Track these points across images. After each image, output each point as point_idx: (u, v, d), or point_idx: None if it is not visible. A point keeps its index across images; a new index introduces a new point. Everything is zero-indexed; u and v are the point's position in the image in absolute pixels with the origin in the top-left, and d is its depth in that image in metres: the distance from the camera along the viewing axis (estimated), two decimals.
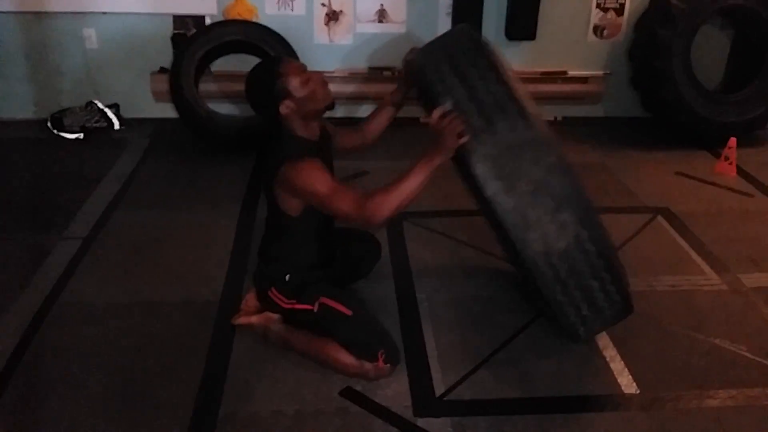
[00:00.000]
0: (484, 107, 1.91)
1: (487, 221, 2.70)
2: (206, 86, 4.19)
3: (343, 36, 4.37)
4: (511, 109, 1.90)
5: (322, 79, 2.14)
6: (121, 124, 4.31)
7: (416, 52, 2.21)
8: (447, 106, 1.92)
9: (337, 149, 2.37)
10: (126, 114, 4.38)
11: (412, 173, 1.95)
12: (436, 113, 1.94)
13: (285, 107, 2.08)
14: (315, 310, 2.18)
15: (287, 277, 2.22)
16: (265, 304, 2.29)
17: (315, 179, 2.00)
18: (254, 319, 2.32)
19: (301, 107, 2.09)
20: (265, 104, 2.12)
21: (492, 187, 1.88)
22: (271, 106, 2.09)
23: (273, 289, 2.23)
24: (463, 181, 2.59)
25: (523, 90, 2.00)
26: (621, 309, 2.14)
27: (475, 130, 1.89)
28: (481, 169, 1.89)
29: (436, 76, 2.00)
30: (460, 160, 1.98)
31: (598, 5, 4.41)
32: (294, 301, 2.21)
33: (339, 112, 3.93)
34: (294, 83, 2.07)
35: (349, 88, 4.31)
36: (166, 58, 4.23)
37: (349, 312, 2.17)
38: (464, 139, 1.89)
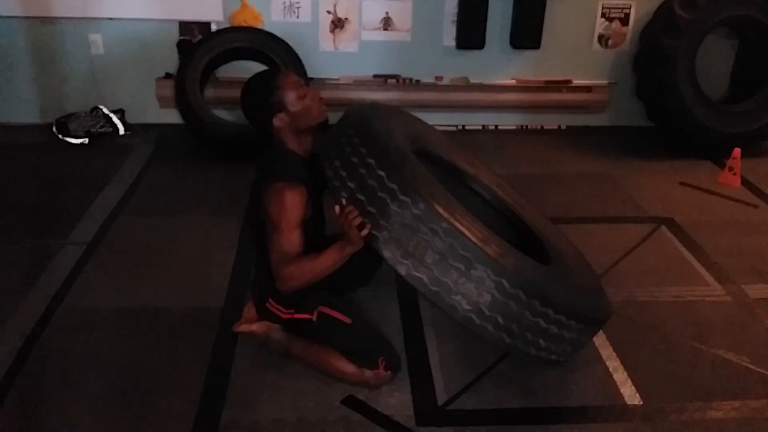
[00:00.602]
0: (374, 193, 1.97)
1: None
2: (211, 92, 4.21)
3: (348, 43, 4.38)
4: (396, 189, 1.95)
5: (318, 95, 2.16)
6: (126, 130, 4.32)
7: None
8: (343, 200, 2.00)
9: None
10: (131, 119, 4.39)
11: (326, 254, 2.02)
12: (337, 209, 2.01)
13: (279, 120, 2.09)
14: (314, 319, 2.18)
15: None
16: (264, 315, 2.29)
17: (281, 210, 2.02)
18: (255, 327, 2.32)
19: (295, 121, 2.10)
20: (259, 115, 2.13)
21: (404, 267, 1.94)
22: (264, 117, 2.10)
23: (271, 300, 2.23)
24: None
25: (404, 166, 2.04)
26: (585, 328, 2.13)
27: (372, 218, 1.96)
28: (387, 253, 1.95)
29: (331, 172, 2.08)
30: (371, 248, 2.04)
31: (603, 15, 4.42)
32: (292, 311, 2.21)
33: None
34: (290, 97, 2.08)
35: (354, 96, 4.32)
36: (172, 64, 4.25)
37: (348, 320, 2.17)
38: (365, 232, 1.96)
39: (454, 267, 1.91)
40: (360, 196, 1.99)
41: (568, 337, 2.08)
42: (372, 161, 2.00)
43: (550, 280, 2.05)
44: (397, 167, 1.99)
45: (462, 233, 1.90)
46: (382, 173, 1.97)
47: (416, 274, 1.93)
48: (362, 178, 2.00)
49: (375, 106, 2.44)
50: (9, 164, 3.88)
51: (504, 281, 1.91)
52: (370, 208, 1.96)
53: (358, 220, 1.96)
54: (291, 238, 2.02)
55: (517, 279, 1.93)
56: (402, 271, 1.94)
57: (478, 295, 1.92)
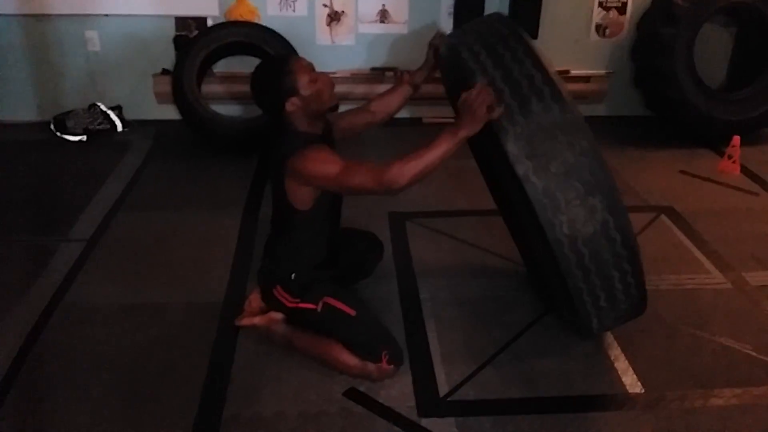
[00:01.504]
0: (519, 88, 1.92)
1: (504, 210, 2.69)
2: (208, 88, 4.20)
3: (344, 37, 4.37)
4: (547, 92, 1.91)
5: (329, 80, 2.15)
6: (123, 126, 4.31)
7: (443, 36, 2.22)
8: (480, 83, 1.92)
9: (340, 133, 2.36)
10: (129, 116, 4.39)
11: (435, 143, 1.91)
12: (471, 90, 1.91)
13: (291, 104, 2.08)
14: (318, 309, 2.18)
15: (293, 275, 2.22)
16: (270, 302, 2.29)
17: (324, 161, 2.00)
18: (257, 320, 2.32)
19: (307, 106, 2.09)
20: (271, 100, 2.12)
21: (523, 167, 1.88)
22: (277, 102, 2.09)
23: (278, 287, 2.23)
24: (485, 164, 2.57)
25: (559, 79, 2.00)
26: (636, 305, 2.13)
27: (510, 110, 1.90)
28: (513, 147, 1.88)
29: (469, 56, 2.01)
30: (491, 139, 1.97)
31: (600, 4, 4.41)
32: (298, 300, 2.21)
33: None
34: (302, 81, 2.07)
35: (351, 89, 4.30)
36: (169, 60, 4.23)
37: (352, 312, 2.17)
38: (496, 113, 1.88)
39: (573, 186, 1.87)
40: (502, 86, 1.92)
41: (621, 308, 2.08)
42: (527, 60, 1.96)
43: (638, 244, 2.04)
44: (552, 74, 1.95)
45: (597, 156, 1.89)
46: (535, 72, 1.93)
47: (534, 178, 1.87)
48: (510, 71, 1.94)
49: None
50: (7, 162, 3.88)
51: (612, 220, 1.89)
52: (511, 100, 1.90)
53: (492, 100, 1.88)
54: (357, 166, 1.96)
55: (623, 223, 1.91)
56: (520, 170, 1.88)
57: (582, 224, 1.89)
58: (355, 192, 2.05)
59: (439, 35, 2.30)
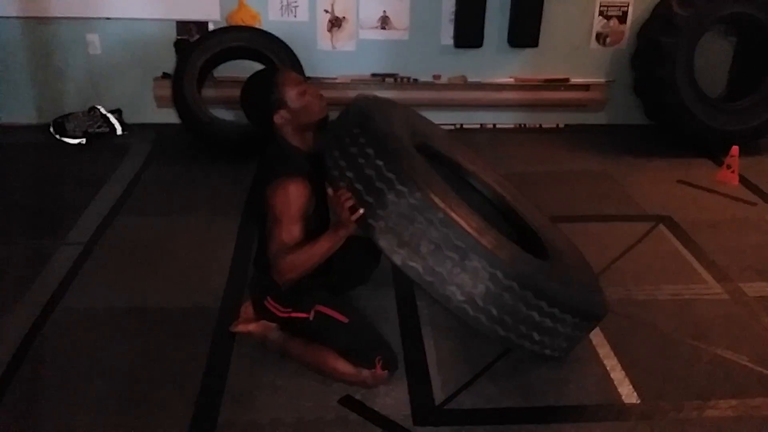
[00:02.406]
0: (372, 183, 1.97)
1: None
2: (209, 92, 4.20)
3: (346, 42, 4.38)
4: (394, 179, 1.95)
5: (318, 92, 2.17)
6: (123, 130, 4.32)
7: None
8: (341, 188, 2.02)
9: None
10: (128, 119, 4.39)
11: (320, 241, 2.01)
12: (330, 191, 2.03)
13: (279, 117, 2.10)
14: (311, 318, 2.18)
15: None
16: (262, 313, 2.29)
17: (284, 203, 2.02)
18: (253, 326, 2.32)
19: (296, 118, 2.11)
20: (259, 113, 2.13)
21: (399, 257, 1.94)
22: (265, 114, 2.10)
23: (269, 298, 2.23)
24: None
25: (401, 153, 2.05)
26: (580, 323, 2.13)
27: (369, 207, 1.96)
28: (383, 242, 1.95)
29: (331, 161, 2.09)
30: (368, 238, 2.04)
31: (601, 13, 4.42)
32: (290, 310, 2.21)
33: None
34: (291, 94, 2.09)
35: (352, 95, 4.30)
36: (169, 64, 4.24)
37: (345, 319, 2.17)
38: (358, 214, 1.97)
39: (448, 257, 1.91)
40: (358, 186, 1.99)
41: (563, 332, 2.08)
42: (371, 151, 2.00)
43: (544, 274, 2.05)
44: (396, 157, 1.99)
45: (457, 223, 1.90)
46: (380, 162, 1.97)
47: (411, 263, 1.93)
48: (361, 168, 2.00)
49: (377, 99, 2.44)
50: (6, 164, 3.88)
51: (498, 272, 1.91)
52: (367, 198, 1.96)
53: (351, 202, 1.97)
54: (291, 231, 2.02)
55: (511, 270, 1.93)
56: (397, 260, 1.94)
57: (472, 286, 1.92)
58: (267, 243, 2.09)
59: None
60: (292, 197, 2.02)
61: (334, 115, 2.25)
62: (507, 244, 2.03)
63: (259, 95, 2.11)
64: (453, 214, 1.92)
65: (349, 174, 2.02)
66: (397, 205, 1.93)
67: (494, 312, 1.94)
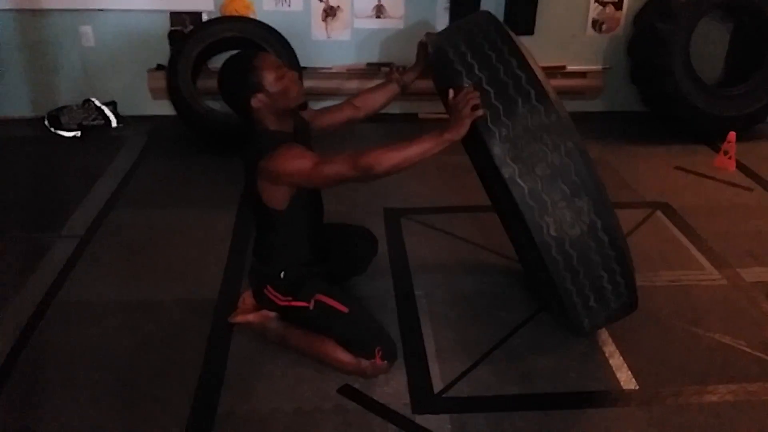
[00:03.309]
0: (505, 90, 1.91)
1: (498, 208, 2.69)
2: (203, 83, 4.17)
3: (340, 32, 4.35)
4: (532, 94, 1.90)
5: (296, 77, 2.13)
6: (118, 122, 4.30)
7: (433, 35, 2.19)
8: (466, 85, 1.92)
9: (319, 130, 2.34)
10: (123, 111, 4.37)
11: (419, 139, 1.92)
12: (451, 92, 1.93)
13: (257, 101, 2.05)
14: (311, 307, 2.17)
15: (282, 274, 2.21)
16: (262, 302, 2.29)
17: (296, 157, 1.98)
18: (251, 317, 2.32)
19: (273, 102, 2.06)
20: (236, 96, 2.09)
21: (509, 169, 1.88)
22: (242, 98, 2.06)
23: (268, 287, 2.23)
24: (477, 164, 2.57)
25: (545, 78, 1.99)
26: (626, 304, 2.13)
27: (495, 111, 1.89)
28: (499, 150, 1.88)
29: (456, 57, 2.00)
30: (478, 141, 1.97)
31: None
32: (290, 299, 2.20)
33: None
34: (268, 78, 2.04)
35: (347, 85, 4.30)
36: (163, 55, 4.21)
37: (345, 309, 2.16)
38: (480, 112, 1.88)
39: (560, 188, 1.87)
40: (488, 87, 1.92)
41: (611, 307, 2.07)
42: (513, 60, 1.95)
43: (626, 244, 2.03)
44: (537, 75, 1.94)
45: (583, 157, 1.87)
46: (521, 73, 1.92)
47: (519, 181, 1.87)
48: (496, 71, 1.94)
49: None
50: (1, 158, 3.86)
51: (599, 222, 1.89)
52: (496, 102, 1.90)
53: (477, 102, 1.88)
54: (329, 159, 1.95)
55: (610, 224, 1.91)
56: (506, 173, 1.88)
57: (570, 226, 1.89)
58: (330, 182, 2.03)
59: (430, 35, 2.28)
60: (295, 150, 1.99)
61: (316, 105, 2.20)
62: (609, 199, 2.00)
63: (237, 78, 2.07)
64: (581, 147, 1.88)
65: (481, 74, 1.94)
66: (527, 119, 1.87)
67: (575, 260, 1.92)
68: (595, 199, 1.89)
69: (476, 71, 1.96)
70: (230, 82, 2.10)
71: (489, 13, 2.21)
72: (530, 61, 2.00)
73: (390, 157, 1.91)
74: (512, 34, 2.09)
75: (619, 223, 1.97)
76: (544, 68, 4.43)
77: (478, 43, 2.02)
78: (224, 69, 2.12)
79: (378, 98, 2.43)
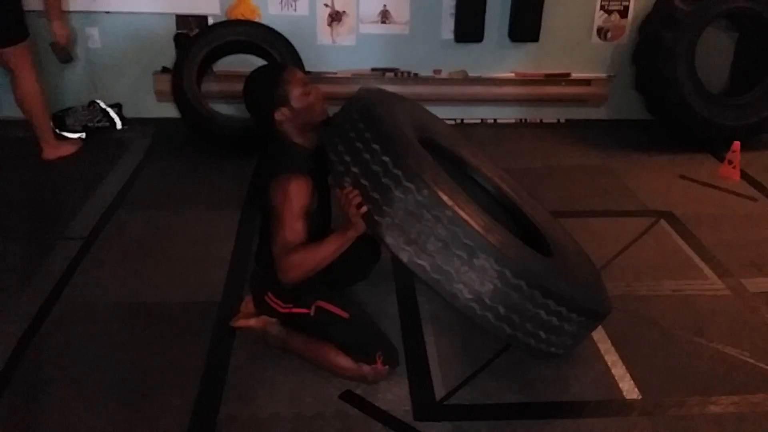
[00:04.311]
0: (378, 179, 1.95)
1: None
2: (208, 86, 4.19)
3: (346, 37, 4.36)
4: (401, 175, 1.93)
5: (321, 93, 2.16)
6: (123, 124, 4.30)
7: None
8: (347, 185, 1.99)
9: None
10: (128, 114, 4.38)
11: (328, 241, 2.00)
12: (338, 191, 2.01)
13: (281, 114, 2.09)
14: (312, 313, 2.17)
15: None
16: (262, 308, 2.29)
17: (286, 201, 2.01)
18: (253, 321, 2.32)
19: (297, 117, 2.10)
20: (260, 107, 2.13)
21: (406, 254, 1.92)
22: (266, 110, 2.10)
23: (269, 294, 2.23)
24: None
25: (408, 148, 2.03)
26: (585, 321, 2.12)
27: (375, 203, 1.94)
28: (390, 239, 1.92)
29: (334, 157, 2.07)
30: (375, 236, 2.01)
31: (602, 7, 4.40)
32: (290, 305, 2.20)
33: None
34: (295, 93, 2.08)
35: (352, 90, 4.29)
36: (169, 58, 4.22)
37: (345, 315, 2.16)
38: (363, 209, 1.94)
39: (456, 255, 1.89)
40: (364, 182, 1.96)
41: (568, 330, 2.07)
42: (377, 147, 1.98)
43: (551, 272, 2.04)
44: (402, 153, 1.97)
45: (465, 221, 1.89)
46: (386, 159, 1.95)
47: (418, 261, 1.90)
48: (366, 164, 1.97)
49: (380, 92, 2.42)
50: (6, 159, 3.87)
51: (507, 271, 1.89)
52: (373, 194, 1.94)
53: (358, 199, 1.95)
54: (294, 228, 2.00)
55: (519, 269, 1.91)
56: (404, 258, 1.91)
57: (480, 285, 1.90)
58: (272, 241, 2.07)
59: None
60: (294, 195, 2.01)
61: (333, 111, 2.24)
62: (514, 242, 2.02)
63: (263, 90, 2.10)
64: (461, 212, 1.90)
65: (355, 169, 1.99)
66: (404, 202, 1.91)
67: (501, 310, 1.93)
68: (493, 252, 1.89)
69: (351, 168, 2.01)
70: (256, 93, 2.13)
71: (362, 95, 2.25)
72: (395, 136, 2.02)
73: (304, 265, 1.99)
74: (379, 110, 2.12)
75: (531, 262, 1.97)
76: (549, 75, 4.48)
77: (350, 137, 2.06)
78: (251, 79, 2.14)
79: None
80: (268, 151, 2.19)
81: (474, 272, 1.90)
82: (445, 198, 1.90)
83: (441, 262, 1.90)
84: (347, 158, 2.03)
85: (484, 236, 1.89)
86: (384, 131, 2.03)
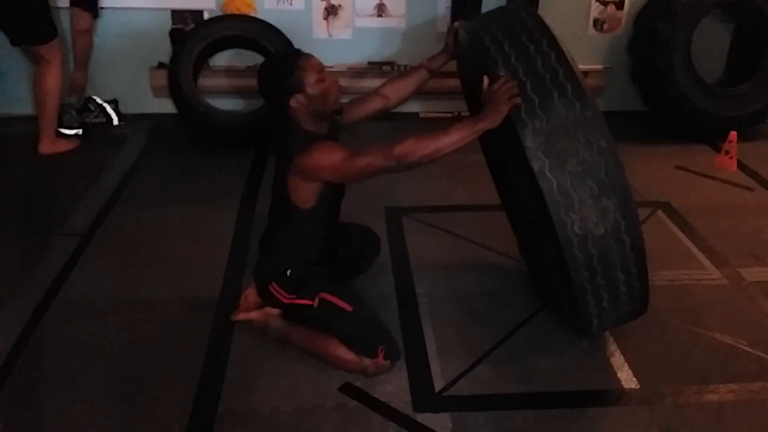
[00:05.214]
0: (542, 82, 1.89)
1: (509, 204, 2.68)
2: (205, 81, 4.18)
3: (342, 30, 4.35)
4: (569, 88, 1.88)
5: (336, 81, 2.16)
6: (119, 120, 4.29)
7: (465, 23, 2.19)
8: (502, 74, 1.90)
9: (350, 123, 2.35)
10: (124, 109, 4.36)
11: (453, 128, 1.92)
12: (487, 79, 1.91)
13: (296, 101, 2.08)
14: (315, 305, 2.17)
15: (288, 271, 2.22)
16: (266, 298, 2.29)
17: (330, 150, 2.01)
18: (253, 315, 2.32)
19: (311, 104, 2.10)
20: (275, 94, 2.12)
21: (540, 162, 1.86)
22: (282, 96, 2.09)
23: (273, 284, 2.23)
24: (496, 157, 2.56)
25: (581, 76, 1.98)
26: (638, 307, 2.12)
27: (530, 103, 1.87)
28: (531, 142, 1.86)
29: (492, 45, 1.98)
30: (509, 131, 1.94)
31: None
32: (294, 296, 2.21)
33: None
34: (310, 79, 2.08)
35: (349, 84, 4.29)
36: (165, 53, 4.21)
37: (349, 308, 2.17)
38: (517, 100, 1.86)
39: (589, 186, 1.85)
40: (524, 78, 1.90)
41: (623, 310, 2.07)
42: (552, 53, 1.93)
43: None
44: (575, 70, 1.93)
45: (615, 157, 1.86)
46: (559, 67, 1.90)
47: (549, 175, 1.85)
48: (533, 63, 1.92)
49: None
50: (2, 155, 3.86)
51: (624, 223, 1.88)
52: (531, 94, 1.88)
53: (515, 91, 1.86)
54: (362, 151, 1.97)
55: (634, 227, 1.90)
56: (536, 166, 1.86)
57: (594, 225, 1.87)
58: (363, 174, 2.03)
59: (461, 21, 2.25)
60: (329, 145, 2.02)
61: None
62: (634, 201, 1.99)
63: (278, 77, 2.10)
64: (613, 146, 1.86)
65: (518, 64, 1.92)
66: (562, 114, 1.85)
67: (595, 259, 1.90)
68: (621, 199, 1.87)
69: (513, 61, 1.93)
70: (271, 80, 2.12)
71: (527, 3, 2.18)
72: (568, 56, 1.97)
73: (424, 146, 1.91)
74: (551, 28, 2.06)
75: (641, 228, 1.96)
76: None
77: (516, 32, 1.99)
78: (266, 66, 2.15)
79: (409, 85, 2.43)
80: (282, 137, 2.18)
81: (596, 209, 1.86)
82: (604, 127, 1.87)
83: (571, 186, 1.85)
84: (509, 51, 1.95)
85: (624, 180, 1.87)
86: (557, 42, 1.97)
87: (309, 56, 2.17)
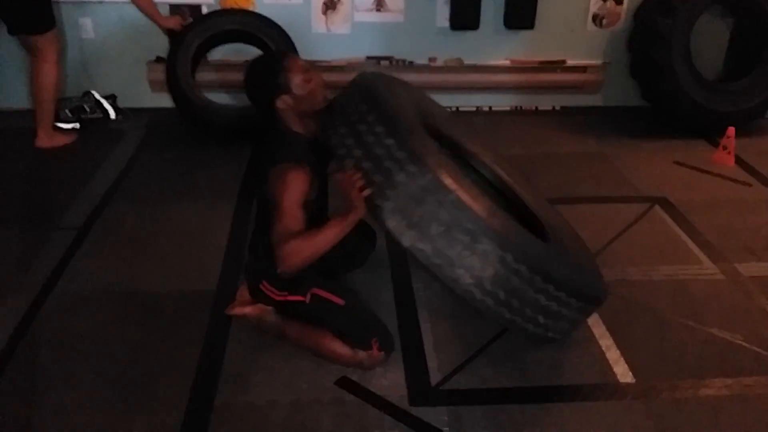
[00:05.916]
0: (380, 162, 1.94)
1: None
2: (203, 76, 4.17)
3: (340, 25, 4.34)
4: (404, 158, 1.92)
5: (322, 81, 2.16)
6: (117, 114, 4.29)
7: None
8: (348, 167, 1.97)
9: None
10: (122, 104, 4.36)
11: (328, 228, 1.98)
12: (340, 176, 1.99)
13: (282, 102, 2.09)
14: (307, 301, 2.17)
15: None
16: (258, 297, 2.29)
17: (285, 190, 2.00)
18: (249, 309, 2.32)
19: (298, 104, 2.10)
20: (262, 95, 2.13)
21: (407, 238, 1.91)
22: (268, 98, 2.10)
23: (264, 283, 2.23)
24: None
25: (413, 131, 2.01)
26: (584, 306, 2.13)
27: (378, 186, 1.93)
28: (392, 223, 1.92)
29: (336, 140, 2.05)
30: (376, 220, 2.00)
31: None
32: (286, 293, 2.20)
33: None
34: (296, 80, 2.08)
35: (347, 78, 4.28)
36: (163, 48, 4.20)
37: (341, 301, 2.17)
38: (366, 192, 1.93)
39: (458, 240, 1.88)
40: (366, 164, 1.95)
41: (567, 315, 2.08)
42: (381, 129, 1.97)
43: (551, 257, 2.05)
44: (406, 136, 1.96)
45: (468, 206, 1.88)
46: (390, 141, 1.94)
47: (420, 246, 1.90)
48: (369, 146, 1.96)
49: (383, 75, 2.40)
50: (0, 150, 3.86)
51: (508, 256, 1.89)
52: (375, 177, 1.93)
53: (361, 182, 1.93)
54: (294, 216, 1.99)
55: (521, 254, 1.91)
56: (406, 242, 1.91)
57: (481, 269, 1.90)
58: (270, 231, 2.06)
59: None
60: (293, 184, 2.00)
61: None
62: (516, 227, 2.01)
63: (264, 77, 2.10)
64: (464, 196, 1.89)
65: (357, 152, 1.97)
66: (406, 186, 1.90)
67: (502, 295, 1.93)
68: (495, 238, 1.89)
69: (353, 151, 1.99)
70: (257, 82, 2.13)
71: (365, 78, 2.24)
72: (399, 119, 2.00)
73: (303, 252, 1.95)
74: (381, 92, 2.10)
75: (533, 247, 1.97)
76: (544, 63, 4.47)
77: (353, 120, 2.04)
78: (252, 68, 2.14)
79: None
80: (268, 139, 2.19)
81: (475, 257, 1.89)
82: (448, 182, 1.89)
83: (442, 247, 1.89)
84: (349, 141, 2.01)
85: (486, 221, 1.89)
86: (388, 113, 2.02)
87: (294, 57, 2.19)
